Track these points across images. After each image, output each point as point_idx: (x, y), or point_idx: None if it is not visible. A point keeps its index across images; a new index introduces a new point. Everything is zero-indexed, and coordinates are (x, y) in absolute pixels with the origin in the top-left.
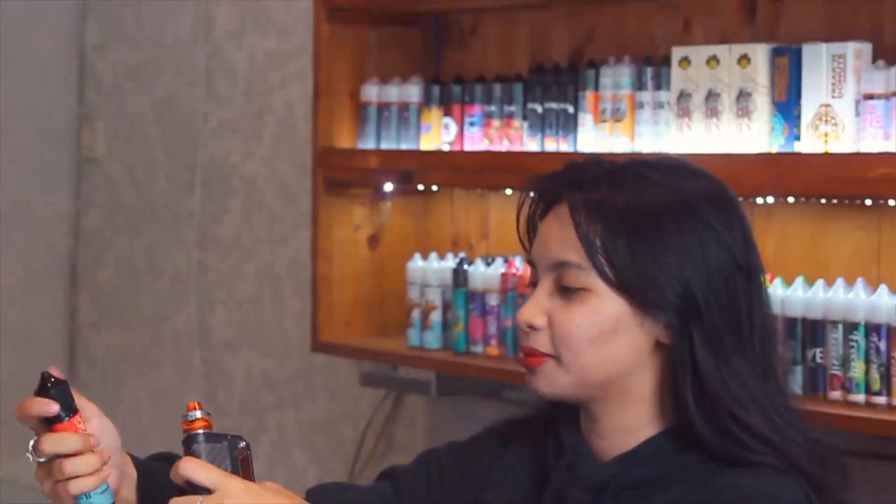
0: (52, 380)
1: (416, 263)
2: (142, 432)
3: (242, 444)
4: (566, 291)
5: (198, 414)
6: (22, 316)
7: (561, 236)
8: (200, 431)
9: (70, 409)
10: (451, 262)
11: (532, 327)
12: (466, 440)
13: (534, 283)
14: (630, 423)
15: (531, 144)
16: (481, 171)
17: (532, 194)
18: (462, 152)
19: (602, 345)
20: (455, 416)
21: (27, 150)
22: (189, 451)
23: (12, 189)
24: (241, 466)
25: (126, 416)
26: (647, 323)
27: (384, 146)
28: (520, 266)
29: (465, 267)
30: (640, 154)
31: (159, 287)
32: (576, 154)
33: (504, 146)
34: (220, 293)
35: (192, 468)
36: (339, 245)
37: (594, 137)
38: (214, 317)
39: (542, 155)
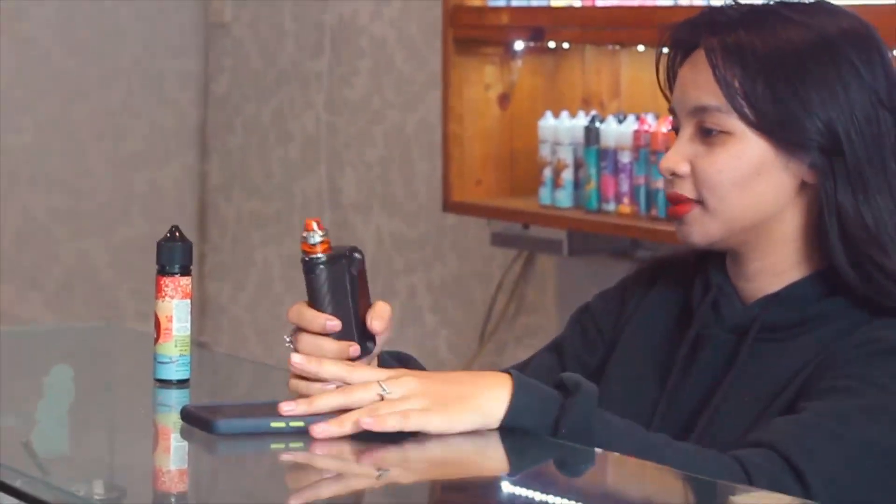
0: (177, 233)
1: (548, 121)
2: (274, 297)
3: (358, 256)
4: (707, 136)
5: (318, 237)
6: (152, 181)
7: (699, 81)
8: (321, 256)
9: (178, 266)
10: (582, 119)
11: (675, 174)
12: (615, 285)
13: (676, 131)
14: (776, 265)
15: None
16: (613, 27)
17: (669, 41)
18: (594, 7)
19: (746, 188)
20: (586, 275)
21: (155, 15)
22: (310, 274)
23: (141, 55)
24: (359, 281)
25: (258, 281)
26: (791, 164)
27: (515, 3)
28: (652, 123)
29: (597, 124)
30: None
31: (288, 151)
32: (709, 7)
33: (636, 1)
34: (350, 155)
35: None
36: (469, 104)
37: None
38: (344, 180)
39: (675, 9)
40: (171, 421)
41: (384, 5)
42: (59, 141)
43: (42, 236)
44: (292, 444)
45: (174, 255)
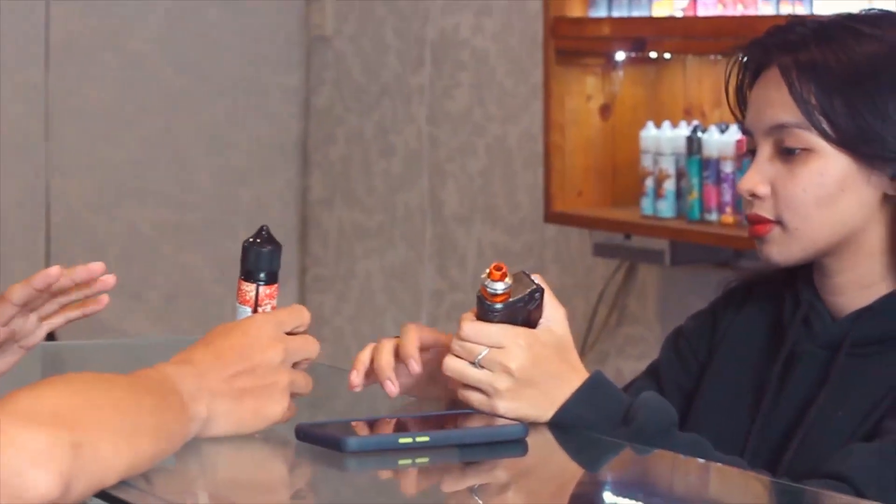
0: (265, 233)
1: (649, 132)
2: (376, 308)
3: (537, 297)
4: (788, 155)
5: (500, 290)
6: (255, 194)
7: (774, 100)
8: (499, 306)
9: (263, 274)
10: (684, 129)
11: (755, 196)
12: (706, 307)
13: (751, 152)
14: (864, 278)
15: (766, 8)
16: (715, 37)
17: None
18: (695, 18)
19: (829, 206)
20: (688, 285)
21: (257, 29)
22: (483, 319)
23: (243, 68)
24: (532, 315)
25: (359, 293)
26: (873, 177)
27: (616, 14)
28: None
29: (699, 134)
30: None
31: (390, 163)
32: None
33: (738, 11)
34: (452, 168)
35: (476, 332)
36: (571, 115)
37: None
38: (446, 192)
39: (776, 19)
40: (276, 432)
41: (485, 19)
42: (164, 156)
43: (147, 250)
44: (419, 460)
45: (260, 261)
